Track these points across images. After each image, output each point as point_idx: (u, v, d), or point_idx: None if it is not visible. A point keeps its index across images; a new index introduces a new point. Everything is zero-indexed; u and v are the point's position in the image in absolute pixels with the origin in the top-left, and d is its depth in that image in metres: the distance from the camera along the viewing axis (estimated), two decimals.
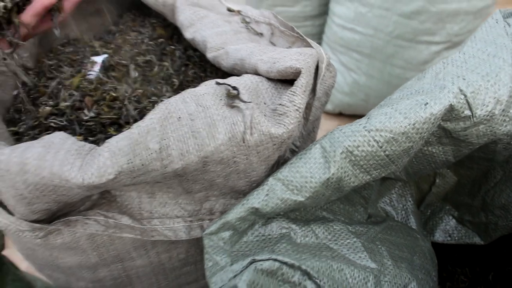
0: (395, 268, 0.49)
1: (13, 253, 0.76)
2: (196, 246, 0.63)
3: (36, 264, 0.69)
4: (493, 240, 0.60)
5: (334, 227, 0.51)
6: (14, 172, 0.43)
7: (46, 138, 0.45)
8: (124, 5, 0.90)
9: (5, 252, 0.77)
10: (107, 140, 0.43)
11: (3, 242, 0.79)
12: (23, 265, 0.83)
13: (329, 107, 1.73)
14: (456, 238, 0.63)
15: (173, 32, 0.80)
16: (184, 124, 0.43)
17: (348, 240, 0.50)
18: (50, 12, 0.58)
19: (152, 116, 0.43)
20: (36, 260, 0.66)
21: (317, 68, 0.55)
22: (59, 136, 0.45)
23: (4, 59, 0.55)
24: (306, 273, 0.42)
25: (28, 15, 0.54)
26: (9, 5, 0.53)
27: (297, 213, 0.51)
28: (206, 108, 0.44)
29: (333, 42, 1.59)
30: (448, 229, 0.64)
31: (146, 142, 0.41)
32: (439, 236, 0.64)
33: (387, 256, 0.50)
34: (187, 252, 0.62)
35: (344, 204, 0.56)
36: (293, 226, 0.49)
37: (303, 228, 0.49)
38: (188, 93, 0.46)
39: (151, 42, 0.77)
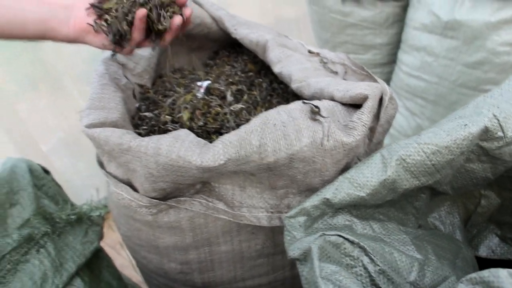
0: (437, 262, 0.60)
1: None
2: (272, 239, 0.76)
3: (136, 246, 0.84)
4: None
5: (388, 225, 0.62)
6: (150, 154, 0.59)
7: (174, 132, 0.61)
8: (221, 43, 1.07)
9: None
10: (220, 137, 0.58)
11: (102, 231, 0.95)
12: None
13: None
14: (499, 254, 0.72)
15: (261, 67, 0.96)
16: (278, 129, 0.57)
17: (399, 236, 0.61)
18: (153, 38, 0.76)
19: (255, 122, 0.58)
20: (137, 241, 0.81)
21: (381, 99, 0.68)
22: (184, 132, 0.61)
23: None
24: (363, 249, 0.53)
25: (135, 32, 0.71)
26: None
27: (358, 212, 0.63)
28: (295, 119, 0.58)
29: (399, 88, 1.70)
30: (491, 246, 0.73)
31: (250, 139, 0.56)
32: (482, 252, 0.73)
33: (432, 253, 0.61)
34: (264, 243, 0.76)
35: (398, 212, 0.67)
36: (355, 220, 0.61)
37: (363, 223, 0.61)
38: (281, 108, 0.61)
39: (242, 75, 0.93)
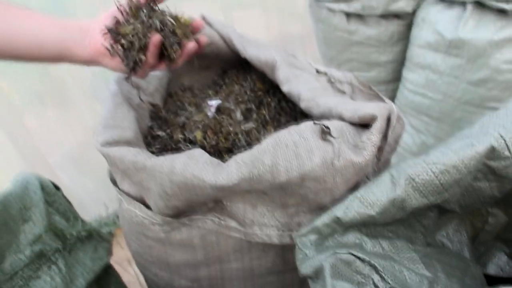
0: (447, 280, 0.61)
1: None
2: (282, 257, 0.77)
3: (147, 262, 0.85)
4: None
5: (397, 243, 0.63)
6: (165, 173, 0.60)
7: (189, 152, 0.63)
8: (229, 62, 1.09)
9: None
10: (233, 156, 0.60)
11: (111, 248, 0.96)
12: None
13: None
14: (508, 271, 0.73)
15: (269, 86, 0.98)
16: (290, 149, 0.59)
17: (408, 254, 0.62)
18: (166, 61, 0.77)
19: (267, 142, 0.60)
20: (149, 258, 0.82)
21: (389, 119, 0.69)
22: (198, 151, 0.63)
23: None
24: (374, 267, 0.55)
25: (149, 56, 0.73)
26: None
27: (368, 230, 0.64)
28: (306, 139, 0.60)
29: (404, 105, 1.71)
30: (500, 264, 0.74)
31: (263, 159, 0.58)
32: (491, 269, 0.74)
33: (441, 271, 0.62)
34: (274, 261, 0.77)
35: (407, 230, 0.68)
36: (365, 238, 0.62)
37: (373, 241, 0.62)
38: (293, 128, 0.62)
39: (251, 94, 0.95)
